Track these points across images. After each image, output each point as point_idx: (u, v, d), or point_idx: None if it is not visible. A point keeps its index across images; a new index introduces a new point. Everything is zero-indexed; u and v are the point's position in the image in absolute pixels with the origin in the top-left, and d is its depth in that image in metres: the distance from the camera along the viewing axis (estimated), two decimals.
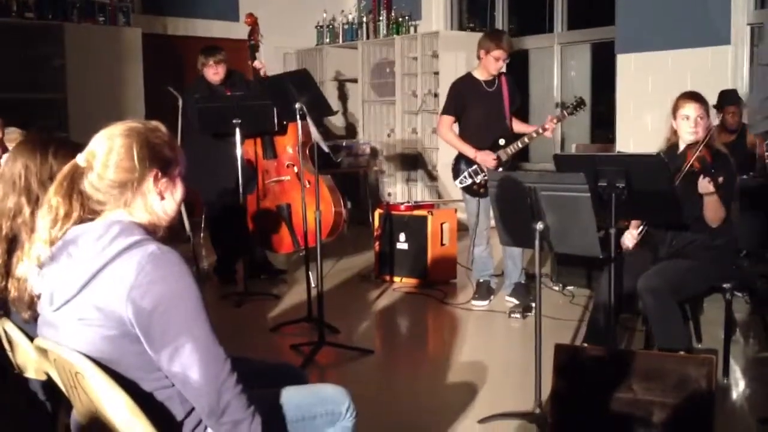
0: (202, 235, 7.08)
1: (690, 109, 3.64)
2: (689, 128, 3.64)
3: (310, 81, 4.51)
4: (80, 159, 1.77)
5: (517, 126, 5.21)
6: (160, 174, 1.78)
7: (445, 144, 7.95)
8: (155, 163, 1.77)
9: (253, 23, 5.66)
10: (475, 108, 5.08)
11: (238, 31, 8.38)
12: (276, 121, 5.37)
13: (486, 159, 4.97)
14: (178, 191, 1.84)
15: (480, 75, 5.12)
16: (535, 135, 5.01)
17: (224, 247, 5.97)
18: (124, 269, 1.64)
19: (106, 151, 1.74)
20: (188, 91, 5.90)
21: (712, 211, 3.50)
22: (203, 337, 1.66)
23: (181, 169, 1.84)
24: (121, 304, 1.63)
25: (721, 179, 3.38)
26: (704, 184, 3.43)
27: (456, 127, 5.21)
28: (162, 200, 1.80)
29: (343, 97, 9.60)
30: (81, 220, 1.76)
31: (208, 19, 8.73)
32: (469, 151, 5.02)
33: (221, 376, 1.67)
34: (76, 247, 1.71)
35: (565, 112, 5.07)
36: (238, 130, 5.30)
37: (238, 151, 5.33)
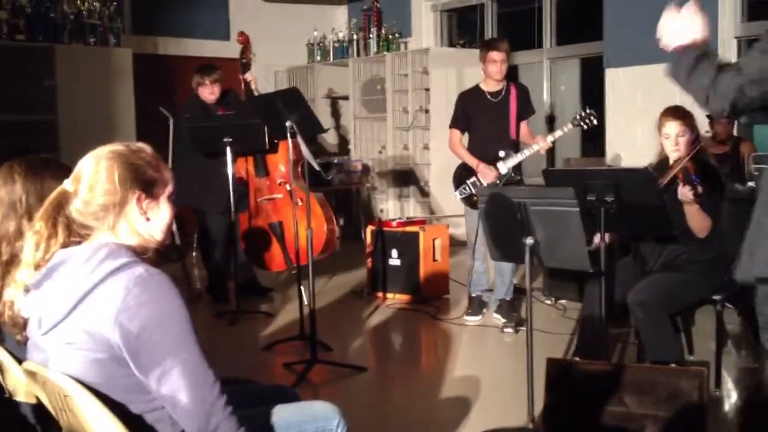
0: (194, 254, 7.08)
1: (670, 128, 3.67)
2: (671, 147, 3.67)
3: (300, 99, 4.53)
4: (67, 184, 1.77)
5: (525, 137, 5.18)
6: (143, 195, 1.78)
7: (436, 160, 8.09)
8: (137, 184, 1.77)
9: (245, 41, 5.68)
10: (479, 119, 5.10)
11: (230, 50, 8.42)
12: (267, 139, 5.38)
13: (485, 172, 4.98)
14: (164, 212, 1.83)
15: (486, 86, 5.14)
16: (528, 153, 5.02)
17: (216, 265, 5.96)
18: (112, 292, 1.64)
19: (90, 174, 1.75)
20: (182, 110, 5.90)
21: (695, 220, 3.51)
22: (191, 360, 1.66)
23: (167, 190, 1.84)
24: (109, 327, 1.63)
25: (701, 189, 3.39)
26: (684, 192, 3.44)
27: (465, 139, 5.23)
28: (147, 221, 1.79)
29: (334, 114, 9.64)
30: (66, 245, 1.76)
31: (199, 39, 8.76)
32: (473, 162, 5.04)
33: (210, 399, 1.66)
34: (64, 270, 1.71)
35: (570, 124, 4.98)
36: (229, 149, 5.31)
37: (230, 170, 5.34)
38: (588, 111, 4.93)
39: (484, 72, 5.12)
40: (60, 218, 1.76)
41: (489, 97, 5.12)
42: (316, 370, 4.12)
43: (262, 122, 5.03)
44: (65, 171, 2.15)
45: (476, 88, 5.22)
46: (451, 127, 5.23)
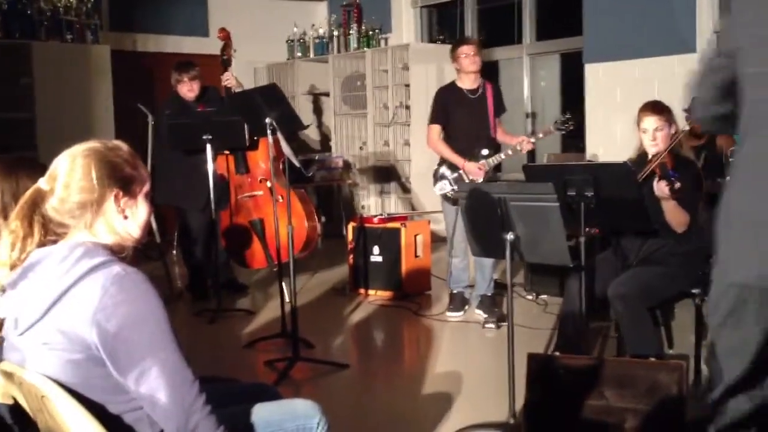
0: (174, 252, 7.04)
1: (648, 122, 3.69)
2: (648, 141, 3.70)
3: (280, 95, 4.51)
4: (42, 183, 1.76)
5: (501, 136, 5.24)
6: (121, 193, 1.76)
7: (417, 155, 8.10)
8: (115, 182, 1.75)
9: (226, 38, 5.65)
10: (458, 115, 5.11)
11: (209, 46, 8.37)
12: (247, 136, 5.36)
13: (473, 170, 4.99)
14: (141, 210, 1.82)
15: (462, 83, 5.16)
16: (511, 152, 5.09)
17: (197, 263, 5.93)
18: (88, 292, 1.62)
19: (66, 172, 1.73)
20: (162, 107, 5.87)
21: (672, 215, 3.53)
22: (170, 359, 1.65)
23: (145, 188, 1.83)
24: (86, 327, 1.61)
25: (678, 185, 3.41)
26: (660, 187, 3.47)
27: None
28: (125, 219, 1.78)
29: (314, 110, 9.61)
30: (43, 244, 1.74)
31: (178, 35, 8.71)
32: (457, 160, 5.04)
33: (189, 398, 1.65)
34: (40, 270, 1.69)
35: (553, 127, 5.06)
36: (209, 146, 5.28)
37: (209, 167, 5.31)
38: (566, 116, 5.03)
39: (458, 70, 5.15)
40: (36, 217, 1.74)
41: (467, 93, 5.13)
42: (298, 367, 4.11)
43: (241, 119, 5.00)
44: (40, 169, 2.13)
45: (453, 85, 5.24)
46: (430, 123, 5.23)
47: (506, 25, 8.39)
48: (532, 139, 5.08)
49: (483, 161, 5.02)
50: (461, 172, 5.05)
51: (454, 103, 5.13)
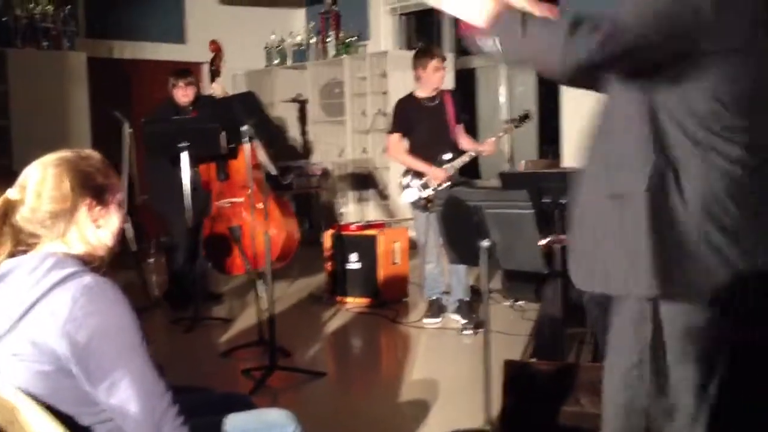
0: (152, 261, 6.99)
1: None
2: None
3: (257, 102, 4.52)
4: (12, 193, 1.74)
5: (465, 143, 5.28)
6: (94, 202, 1.76)
7: (396, 163, 8.08)
8: (88, 191, 1.75)
9: (217, 50, 5.72)
10: (419, 124, 5.16)
11: (185, 53, 8.36)
12: (225, 144, 5.36)
13: (436, 173, 5.04)
14: (114, 219, 1.81)
15: (421, 93, 5.21)
16: (474, 153, 5.16)
17: (179, 270, 5.91)
18: (59, 302, 1.61)
19: (38, 181, 1.72)
20: (156, 112, 5.92)
21: None
22: (140, 370, 1.64)
23: (117, 196, 1.82)
24: (56, 338, 1.60)
25: None
26: None
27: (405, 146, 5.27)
28: (98, 229, 1.78)
29: (293, 118, 9.59)
30: (13, 254, 1.73)
31: (154, 42, 8.66)
32: (422, 166, 5.08)
33: (160, 409, 1.64)
34: (10, 280, 1.68)
35: (512, 125, 5.18)
36: (185, 154, 5.27)
37: (185, 175, 5.29)
38: (524, 112, 5.24)
39: (420, 79, 5.20)
40: (5, 228, 1.73)
41: (426, 102, 5.18)
42: (275, 375, 4.09)
43: (218, 127, 5.00)
44: (11, 178, 2.12)
45: (412, 96, 5.31)
46: (391, 132, 5.29)
47: None
48: (493, 139, 5.17)
49: (446, 165, 5.07)
50: (427, 178, 5.08)
51: (414, 113, 5.19)
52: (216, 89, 5.61)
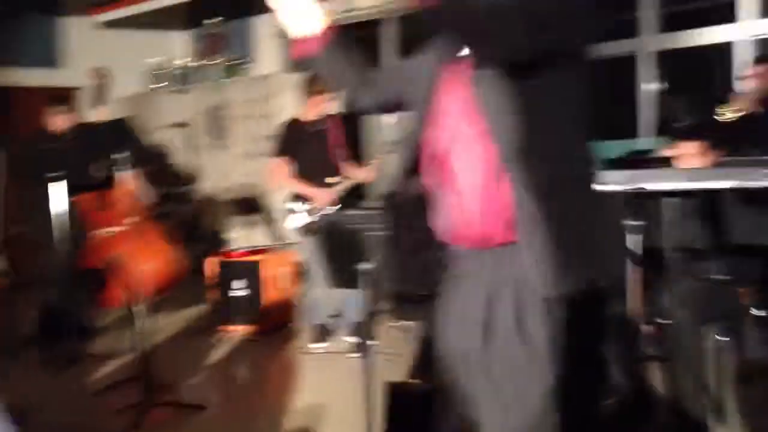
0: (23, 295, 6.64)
1: None
2: None
3: (130, 130, 4.39)
4: None
5: (347, 169, 5.26)
6: None
7: (282, 187, 8.00)
8: None
9: (103, 77, 5.50)
10: (302, 149, 5.14)
11: (58, 78, 8.04)
12: (102, 173, 5.18)
13: (321, 196, 5.01)
14: None
15: (307, 116, 5.18)
16: (353, 181, 5.18)
17: (53, 304, 5.63)
18: None
19: None
20: (30, 139, 5.67)
21: None
22: None
23: None
24: None
25: None
26: None
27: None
28: None
29: (176, 143, 9.35)
30: None
31: (25, 67, 8.28)
32: (306, 190, 5.04)
33: None
34: None
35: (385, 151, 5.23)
36: (58, 183, 5.05)
37: (52, 204, 5.07)
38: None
39: (308, 104, 5.18)
40: None
41: (311, 127, 5.17)
42: (152, 413, 3.92)
43: (88, 155, 4.82)
44: None
45: (295, 120, 5.29)
46: (273, 156, 5.24)
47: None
48: (371, 165, 5.20)
49: (330, 189, 5.05)
50: (312, 202, 5.04)
51: (296, 138, 5.17)
52: (100, 117, 5.41)
